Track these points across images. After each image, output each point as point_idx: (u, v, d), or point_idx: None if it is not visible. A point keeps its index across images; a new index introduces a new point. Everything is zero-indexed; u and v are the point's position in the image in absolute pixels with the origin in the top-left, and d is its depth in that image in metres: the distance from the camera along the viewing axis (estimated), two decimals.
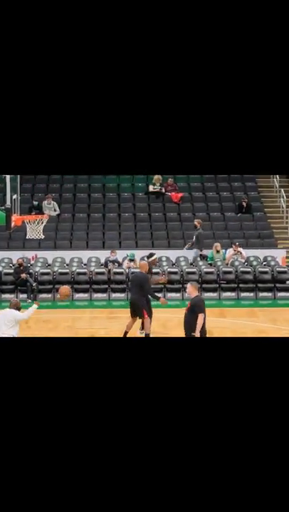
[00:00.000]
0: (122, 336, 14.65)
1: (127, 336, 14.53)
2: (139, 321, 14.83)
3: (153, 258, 16.26)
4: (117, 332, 15.15)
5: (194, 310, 11.46)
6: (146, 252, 22.98)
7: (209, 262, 22.45)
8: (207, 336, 11.48)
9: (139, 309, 14.50)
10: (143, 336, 14.94)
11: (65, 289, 13.67)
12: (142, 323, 14.91)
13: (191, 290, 11.82)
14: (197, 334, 11.30)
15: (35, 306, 11.42)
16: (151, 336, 14.64)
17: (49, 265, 22.37)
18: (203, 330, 11.40)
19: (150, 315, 14.64)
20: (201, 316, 11.35)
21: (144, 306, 14.56)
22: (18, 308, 11.20)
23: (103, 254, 22.81)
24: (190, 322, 11.41)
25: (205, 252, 23.09)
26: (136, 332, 15.30)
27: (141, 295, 14.60)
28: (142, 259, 19.77)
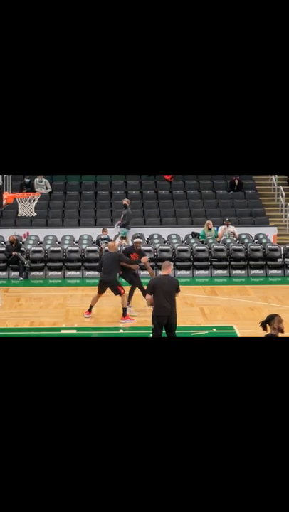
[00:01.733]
0: (87, 310, 15.45)
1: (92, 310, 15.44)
2: (108, 298, 15.32)
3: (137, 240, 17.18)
4: (108, 310, 15.22)
5: None
6: (138, 230, 23.10)
7: (201, 240, 22.48)
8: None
9: (115, 287, 15.08)
10: (130, 309, 15.50)
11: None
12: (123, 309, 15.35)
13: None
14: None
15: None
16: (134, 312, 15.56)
17: (41, 243, 22.37)
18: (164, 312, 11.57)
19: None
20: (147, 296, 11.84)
21: (118, 283, 15.21)
22: None
23: (95, 232, 22.82)
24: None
25: (197, 229, 23.12)
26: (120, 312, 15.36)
27: (115, 274, 15.23)
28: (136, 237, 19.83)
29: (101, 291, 15.29)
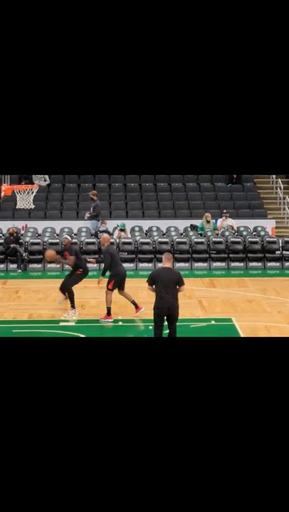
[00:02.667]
0: (134, 308, 14.87)
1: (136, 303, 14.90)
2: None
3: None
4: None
5: None
6: (137, 222, 23.09)
7: (199, 232, 22.50)
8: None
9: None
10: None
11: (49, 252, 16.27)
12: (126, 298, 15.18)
13: None
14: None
15: None
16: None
17: (39, 235, 22.36)
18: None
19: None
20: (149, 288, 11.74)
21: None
22: None
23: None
24: None
25: (195, 222, 23.14)
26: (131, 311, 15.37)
27: None
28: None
29: (122, 288, 14.92)
